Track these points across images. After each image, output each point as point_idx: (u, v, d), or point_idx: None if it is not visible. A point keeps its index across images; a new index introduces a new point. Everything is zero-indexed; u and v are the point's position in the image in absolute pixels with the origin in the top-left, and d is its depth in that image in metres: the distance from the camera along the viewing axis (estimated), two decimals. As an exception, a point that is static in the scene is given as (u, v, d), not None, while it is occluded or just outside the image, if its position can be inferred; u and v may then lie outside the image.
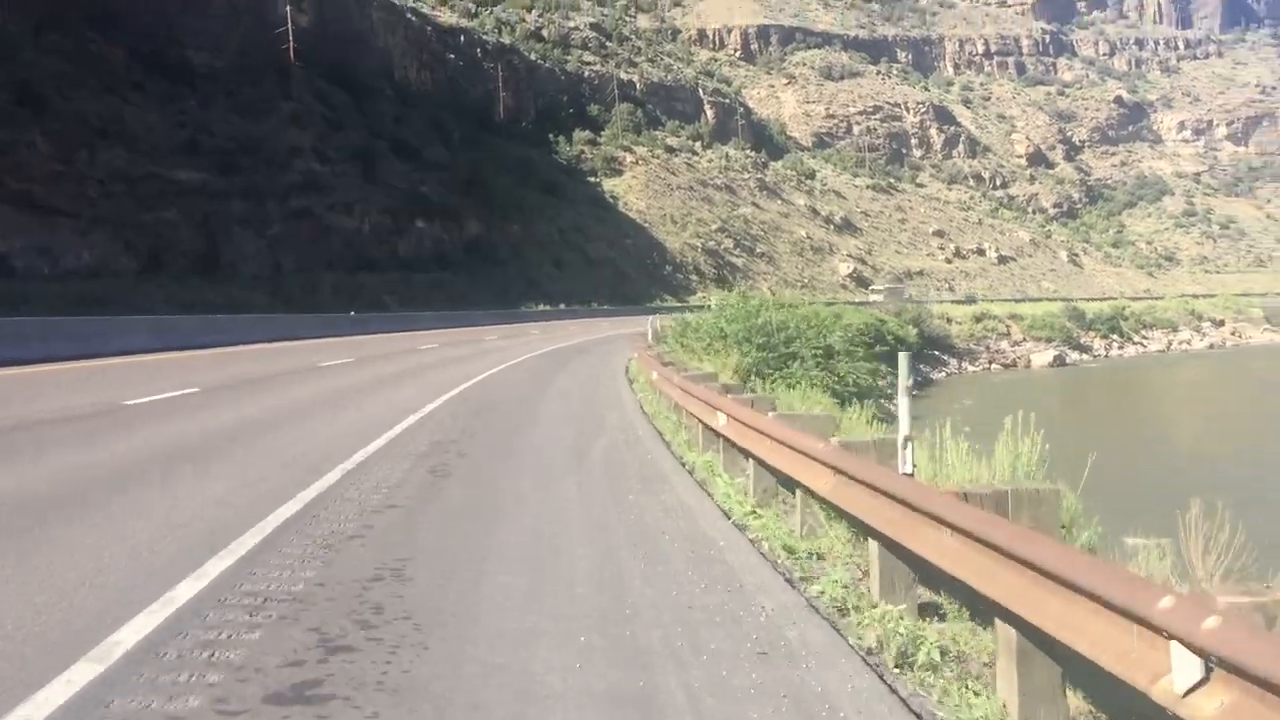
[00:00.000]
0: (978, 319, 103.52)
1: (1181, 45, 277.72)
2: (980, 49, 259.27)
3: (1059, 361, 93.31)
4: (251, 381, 21.34)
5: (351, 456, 11.65)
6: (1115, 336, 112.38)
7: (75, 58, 59.67)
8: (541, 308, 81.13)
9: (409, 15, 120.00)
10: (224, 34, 77.93)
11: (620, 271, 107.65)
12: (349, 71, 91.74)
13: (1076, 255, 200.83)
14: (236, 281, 58.76)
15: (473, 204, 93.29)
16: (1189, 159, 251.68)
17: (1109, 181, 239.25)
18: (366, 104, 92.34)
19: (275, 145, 72.45)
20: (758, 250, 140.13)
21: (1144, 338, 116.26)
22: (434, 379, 23.13)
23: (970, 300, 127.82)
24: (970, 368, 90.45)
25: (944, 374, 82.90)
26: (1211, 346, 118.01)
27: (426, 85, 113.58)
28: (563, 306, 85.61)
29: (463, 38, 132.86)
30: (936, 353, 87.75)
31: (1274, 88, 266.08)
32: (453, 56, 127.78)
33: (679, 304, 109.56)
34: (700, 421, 13.48)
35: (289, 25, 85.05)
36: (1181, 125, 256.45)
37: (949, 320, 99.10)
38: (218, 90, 72.77)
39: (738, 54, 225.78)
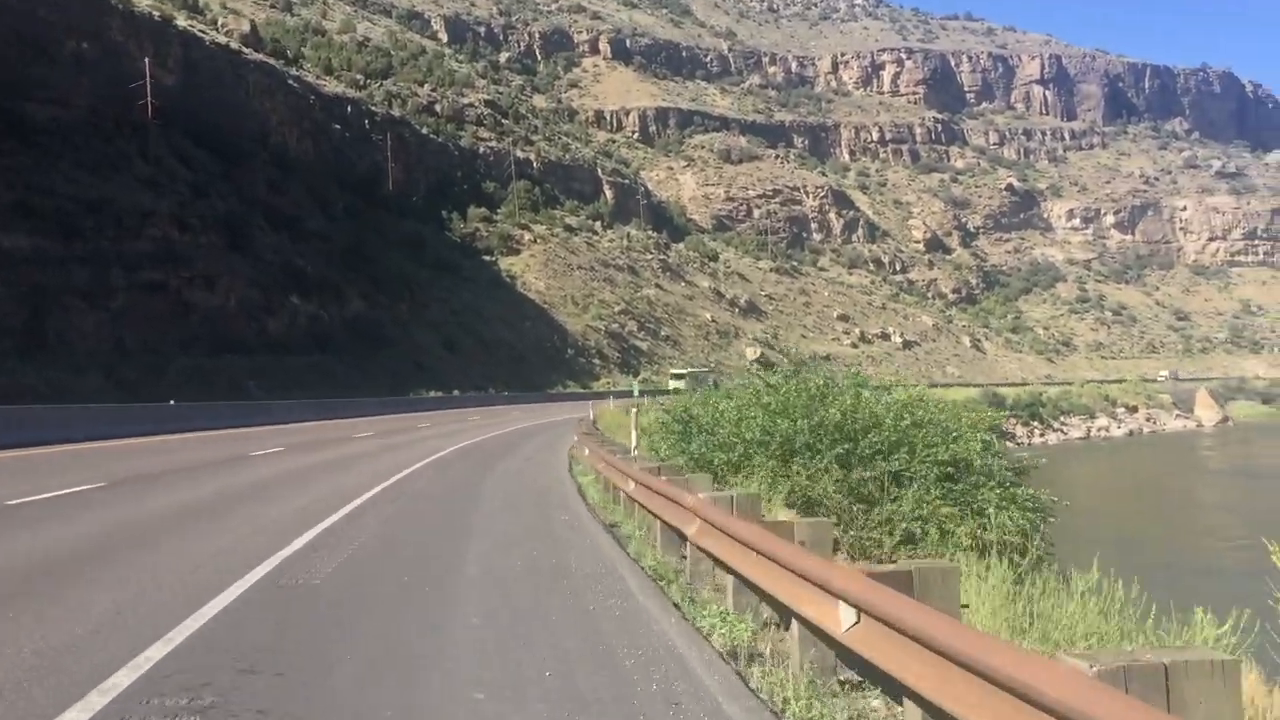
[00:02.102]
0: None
1: (1067, 136, 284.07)
2: (875, 136, 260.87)
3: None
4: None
5: None
6: (1035, 423, 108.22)
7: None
8: (433, 394, 72.42)
9: (290, 82, 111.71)
10: (72, 86, 68.84)
11: (518, 355, 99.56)
12: (218, 135, 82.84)
13: (979, 341, 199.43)
14: (64, 363, 49.10)
15: (356, 280, 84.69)
16: (1079, 246, 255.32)
17: (1004, 268, 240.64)
18: (238, 170, 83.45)
19: (125, 208, 63.15)
20: (662, 333, 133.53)
21: (1064, 424, 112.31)
22: (199, 554, 10.44)
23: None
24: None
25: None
26: (1131, 434, 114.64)
27: (308, 154, 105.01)
28: (457, 393, 77.12)
29: (349, 108, 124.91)
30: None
31: (1156, 178, 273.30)
32: (338, 127, 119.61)
33: (583, 389, 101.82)
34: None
35: (148, 80, 76.11)
36: (1071, 213, 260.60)
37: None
38: (61, 146, 63.48)
39: (636, 135, 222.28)
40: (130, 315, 58.03)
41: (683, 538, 9.67)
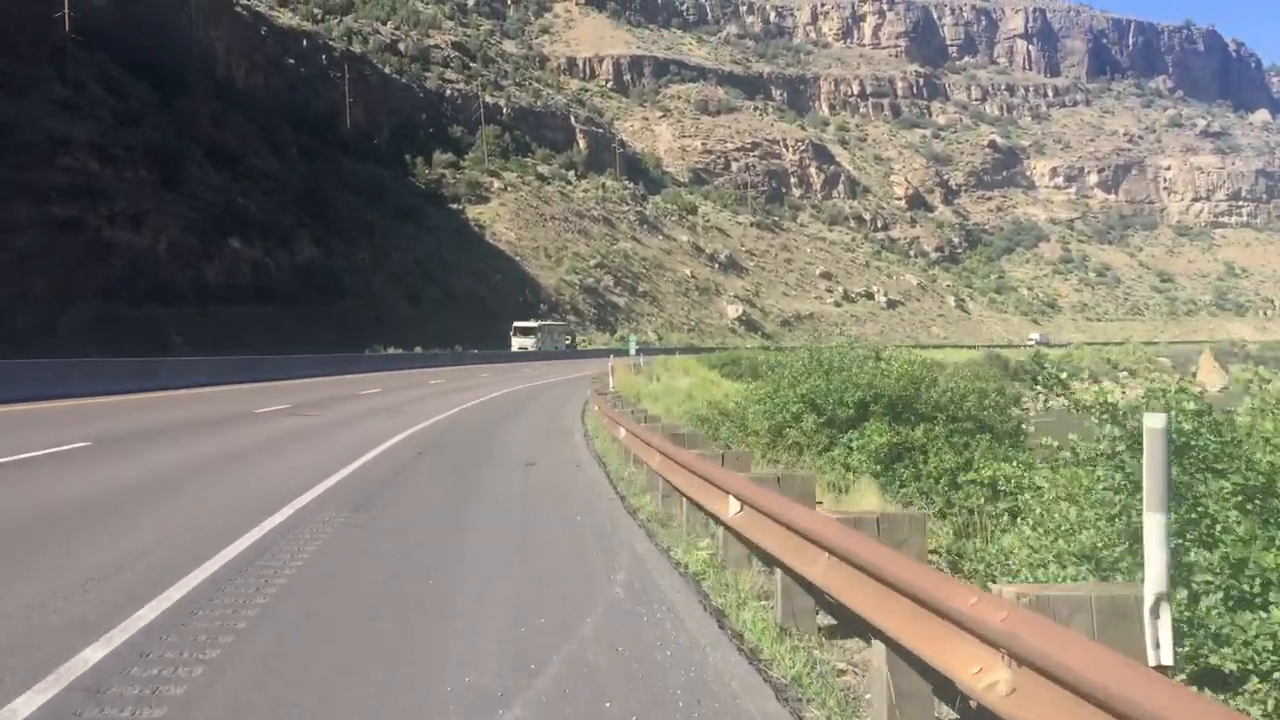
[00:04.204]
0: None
1: (1050, 92, 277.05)
2: (855, 89, 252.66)
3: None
4: None
5: None
6: (1040, 388, 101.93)
7: None
8: (392, 351, 64.45)
9: (239, 9, 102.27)
10: (-23, -4, 59.85)
11: (488, 309, 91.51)
12: (154, 62, 73.85)
13: (963, 301, 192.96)
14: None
15: (309, 224, 76.29)
16: (1062, 205, 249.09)
17: (986, 226, 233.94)
18: (175, 100, 74.58)
19: (34, 134, 54.54)
20: (640, 289, 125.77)
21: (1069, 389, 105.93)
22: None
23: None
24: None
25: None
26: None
27: (258, 89, 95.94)
28: (419, 350, 69.14)
29: (305, 42, 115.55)
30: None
31: (1140, 137, 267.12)
32: (293, 62, 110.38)
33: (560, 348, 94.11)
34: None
35: (70, -7, 67.05)
36: (1054, 172, 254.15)
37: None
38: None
39: (609, 84, 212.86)
40: (37, 257, 49.67)
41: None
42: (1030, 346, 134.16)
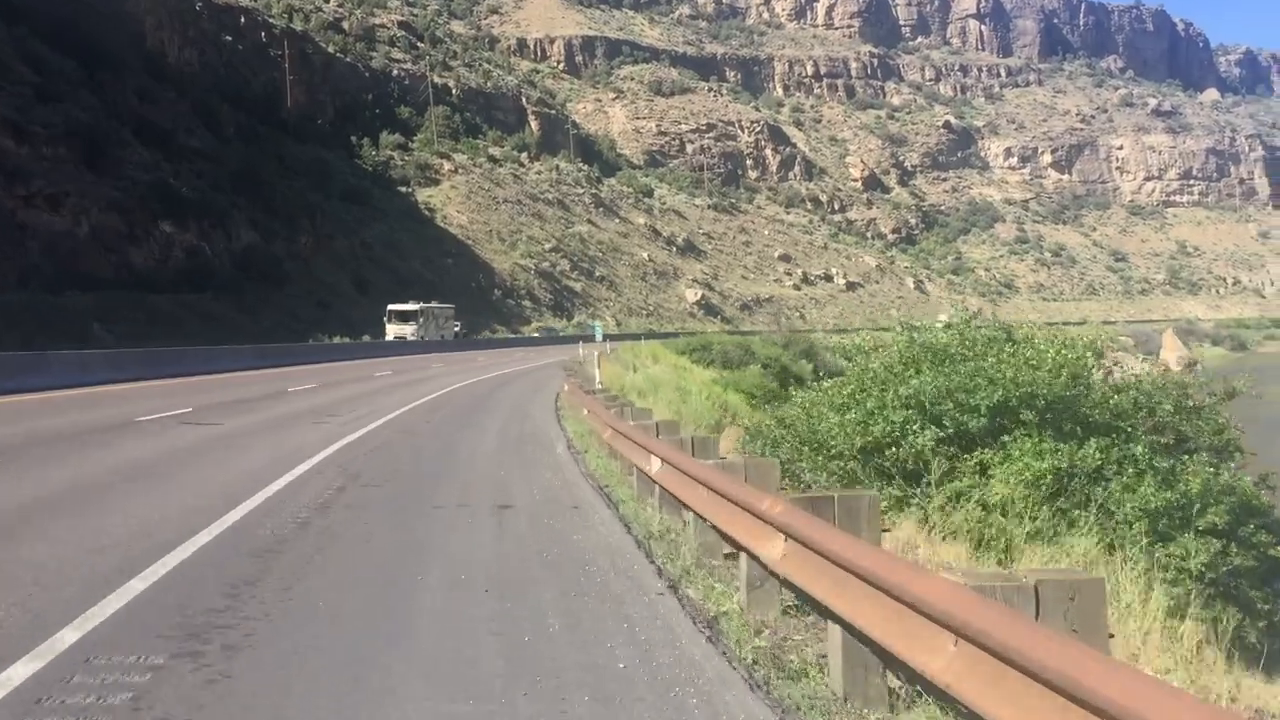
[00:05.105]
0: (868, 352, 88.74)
1: (1004, 73, 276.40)
2: (810, 70, 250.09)
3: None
4: None
5: None
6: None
7: None
8: (338, 340, 60.52)
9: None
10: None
11: (440, 295, 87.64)
12: (77, 35, 69.05)
13: (922, 282, 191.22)
14: None
15: (247, 207, 71.92)
16: (1016, 186, 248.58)
17: (942, 208, 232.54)
18: (101, 76, 69.85)
19: (-62, 108, 50.03)
20: (597, 274, 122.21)
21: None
22: None
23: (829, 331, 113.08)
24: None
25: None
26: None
27: (191, 66, 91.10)
28: (367, 339, 65.33)
29: (243, 18, 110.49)
30: (832, 391, 71.46)
31: (1092, 116, 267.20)
32: (229, 39, 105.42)
33: (513, 334, 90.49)
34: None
35: (-21, -41, 62.22)
36: (1008, 152, 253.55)
37: (835, 353, 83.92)
38: None
39: (561, 66, 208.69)
40: (-59, 241, 45.32)
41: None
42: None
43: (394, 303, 69.99)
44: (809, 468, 12.23)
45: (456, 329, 77.22)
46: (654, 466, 9.80)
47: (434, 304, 74.27)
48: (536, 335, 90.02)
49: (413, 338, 67.06)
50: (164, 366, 31.63)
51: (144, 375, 28.82)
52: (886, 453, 12.00)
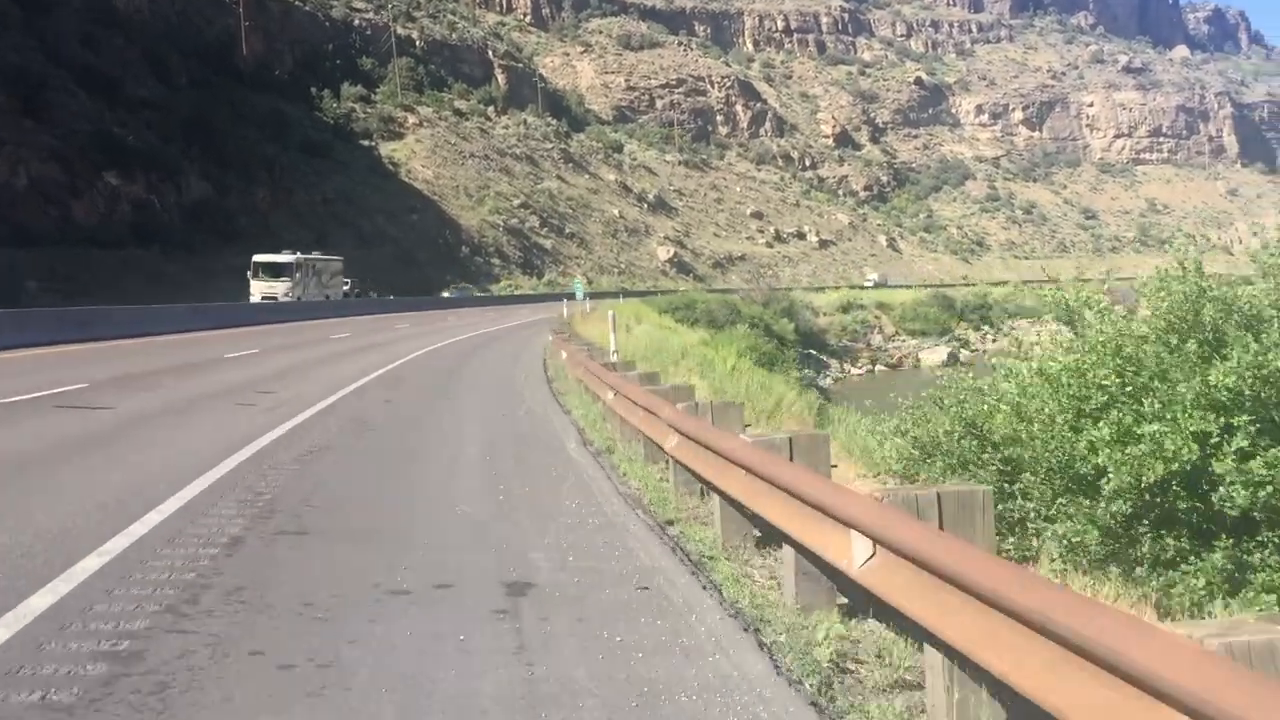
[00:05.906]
0: (845, 309, 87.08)
1: (975, 28, 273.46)
2: (780, 25, 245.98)
3: (953, 360, 76.52)
4: None
5: None
6: (987, 327, 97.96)
7: None
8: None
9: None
10: None
11: (405, 252, 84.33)
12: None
13: (894, 240, 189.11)
14: None
15: (199, 158, 68.22)
16: (987, 143, 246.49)
17: (914, 165, 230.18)
18: (39, 19, 65.72)
19: None
20: (567, 230, 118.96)
21: (1013, 328, 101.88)
22: None
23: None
24: (854, 370, 73.39)
25: (829, 379, 64.09)
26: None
27: (140, 11, 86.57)
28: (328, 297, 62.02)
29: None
30: (813, 352, 69.85)
31: (1064, 73, 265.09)
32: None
33: (481, 293, 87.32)
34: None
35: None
36: (979, 109, 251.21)
37: (816, 312, 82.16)
38: None
39: (528, 19, 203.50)
40: None
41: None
42: (868, 288, 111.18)
43: (263, 253, 55.99)
44: (1065, 515, 7.02)
45: (346, 288, 64.34)
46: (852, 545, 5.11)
47: (315, 255, 60.82)
48: (447, 295, 77.86)
49: (286, 298, 53.71)
50: (83, 329, 27.76)
51: (54, 339, 25.06)
52: (1172, 502, 6.76)
